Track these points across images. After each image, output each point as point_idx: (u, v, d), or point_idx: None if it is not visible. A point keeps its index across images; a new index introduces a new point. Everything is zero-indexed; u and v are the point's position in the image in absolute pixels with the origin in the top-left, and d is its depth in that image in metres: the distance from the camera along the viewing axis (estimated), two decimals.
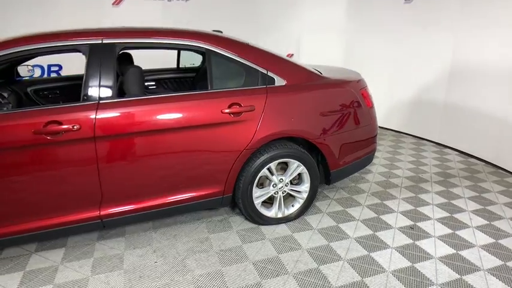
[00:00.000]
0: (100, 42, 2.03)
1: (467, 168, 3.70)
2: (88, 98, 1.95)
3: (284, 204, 2.56)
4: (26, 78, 3.31)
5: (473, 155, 4.03)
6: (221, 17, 5.83)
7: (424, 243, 2.33)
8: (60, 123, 1.85)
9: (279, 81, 2.38)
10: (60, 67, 5.58)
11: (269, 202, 2.57)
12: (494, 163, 3.77)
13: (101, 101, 1.95)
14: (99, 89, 1.96)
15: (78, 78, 3.23)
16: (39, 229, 1.96)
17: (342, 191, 3.12)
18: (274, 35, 5.86)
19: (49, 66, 5.54)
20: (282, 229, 2.50)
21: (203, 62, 3.45)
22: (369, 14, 5.21)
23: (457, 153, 4.20)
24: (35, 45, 1.94)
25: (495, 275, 2.02)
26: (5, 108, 2.18)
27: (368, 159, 2.92)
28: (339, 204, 2.88)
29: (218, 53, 2.25)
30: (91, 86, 1.96)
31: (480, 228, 2.53)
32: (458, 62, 4.10)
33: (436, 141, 4.57)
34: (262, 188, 2.48)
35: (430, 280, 1.98)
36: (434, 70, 4.40)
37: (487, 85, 3.78)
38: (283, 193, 2.52)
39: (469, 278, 1.99)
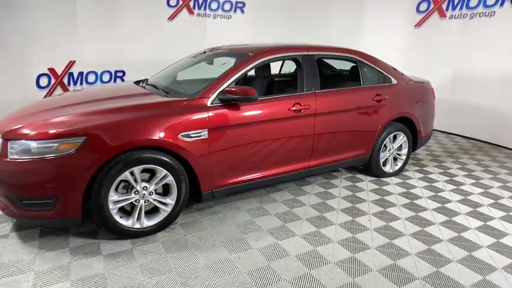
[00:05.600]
0: (307, 53, 3.14)
1: (474, 146, 5.32)
2: (309, 89, 3.04)
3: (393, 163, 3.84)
4: None
5: (474, 137, 5.70)
6: (266, 33, 7.02)
7: (465, 185, 3.77)
8: (300, 104, 2.93)
9: (394, 81, 3.68)
10: (124, 73, 6.25)
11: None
12: (490, 142, 5.45)
13: (316, 91, 3.06)
14: (313, 84, 3.07)
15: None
16: (279, 174, 2.98)
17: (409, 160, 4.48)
18: None
19: (116, 71, 6.20)
20: (395, 179, 3.76)
21: (296, 68, 4.62)
22: (386, 35, 6.71)
23: (460, 137, 5.84)
24: (280, 54, 3.03)
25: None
26: None
27: (430, 136, 4.31)
28: (416, 166, 4.22)
29: (364, 62, 3.49)
30: (309, 82, 3.06)
31: (501, 181, 4.06)
32: (459, 71, 5.77)
33: (442, 130, 6.19)
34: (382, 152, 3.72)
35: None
36: (441, 77, 6.03)
37: (481, 87, 5.47)
38: (393, 156, 3.80)
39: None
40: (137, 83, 3.46)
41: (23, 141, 2.19)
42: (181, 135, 2.42)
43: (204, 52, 3.66)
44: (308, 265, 2.22)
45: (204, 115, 2.51)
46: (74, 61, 5.60)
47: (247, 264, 2.21)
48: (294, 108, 2.90)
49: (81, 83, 5.81)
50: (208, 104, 2.57)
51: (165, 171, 2.42)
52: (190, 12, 6.67)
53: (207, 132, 2.52)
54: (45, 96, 5.39)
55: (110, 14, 5.75)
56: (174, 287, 1.98)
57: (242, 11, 7.17)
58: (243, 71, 2.76)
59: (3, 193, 2.27)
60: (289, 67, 4.96)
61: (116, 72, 6.18)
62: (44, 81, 5.37)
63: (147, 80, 3.52)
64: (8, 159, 2.20)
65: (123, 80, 6.24)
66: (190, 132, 2.46)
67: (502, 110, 5.23)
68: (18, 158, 2.18)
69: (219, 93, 2.62)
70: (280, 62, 4.81)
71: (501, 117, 5.25)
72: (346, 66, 3.99)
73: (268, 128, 2.82)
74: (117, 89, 3.20)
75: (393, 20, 6.53)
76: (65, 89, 5.57)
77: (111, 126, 2.25)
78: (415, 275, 2.16)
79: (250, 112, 2.71)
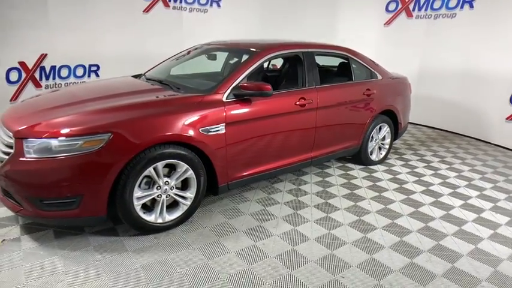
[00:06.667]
0: (307, 50, 3.30)
1: (439, 135, 5.89)
2: (310, 84, 3.21)
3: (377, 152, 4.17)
4: None
5: (438, 127, 6.29)
6: (242, 27, 7.09)
7: (439, 167, 4.24)
8: (305, 99, 3.09)
9: (379, 77, 3.98)
10: (98, 67, 6.01)
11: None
12: (452, 131, 6.06)
13: (316, 86, 3.25)
14: (314, 79, 3.25)
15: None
16: (286, 165, 3.14)
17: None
18: None
19: (90, 65, 5.94)
20: (381, 167, 4.09)
21: (283, 64, 4.80)
22: (360, 34, 7.10)
23: (426, 127, 6.42)
24: (285, 50, 3.17)
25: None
26: None
27: (407, 127, 4.72)
28: (396, 154, 4.61)
29: (354, 59, 3.75)
30: (310, 78, 3.23)
31: (466, 164, 4.59)
32: (424, 68, 6.31)
33: (410, 121, 6.73)
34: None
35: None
36: (407, 73, 6.52)
37: (443, 82, 6.04)
38: (378, 145, 4.13)
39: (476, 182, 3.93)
40: (135, 77, 3.41)
41: (42, 139, 2.12)
42: (202, 130, 2.48)
43: (200, 47, 3.68)
44: (328, 246, 2.41)
45: (221, 110, 2.59)
46: (46, 54, 5.27)
47: (273, 250, 2.35)
48: (298, 102, 3.06)
49: (54, 78, 5.49)
50: (224, 99, 2.64)
51: (186, 166, 2.46)
52: (166, 5, 6.54)
53: (224, 127, 2.60)
54: (15, 93, 5.03)
55: (83, 5, 5.47)
56: (213, 275, 2.07)
57: (218, 5, 7.16)
58: (253, 67, 2.86)
59: (19, 193, 2.18)
60: (271, 62, 5.13)
61: (90, 66, 5.91)
62: (14, 76, 4.99)
63: (144, 74, 3.47)
64: (24, 159, 2.12)
65: (97, 75, 6.00)
66: (209, 127, 2.52)
67: (461, 103, 5.84)
68: (37, 157, 2.11)
69: (233, 89, 2.70)
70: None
71: (461, 109, 5.85)
72: (331, 62, 4.23)
73: (276, 122, 2.95)
74: (124, 84, 3.11)
75: (365, 18, 6.93)
76: (37, 84, 5.24)
77: (137, 122, 2.24)
78: (421, 249, 2.45)
79: (262, 106, 2.83)
